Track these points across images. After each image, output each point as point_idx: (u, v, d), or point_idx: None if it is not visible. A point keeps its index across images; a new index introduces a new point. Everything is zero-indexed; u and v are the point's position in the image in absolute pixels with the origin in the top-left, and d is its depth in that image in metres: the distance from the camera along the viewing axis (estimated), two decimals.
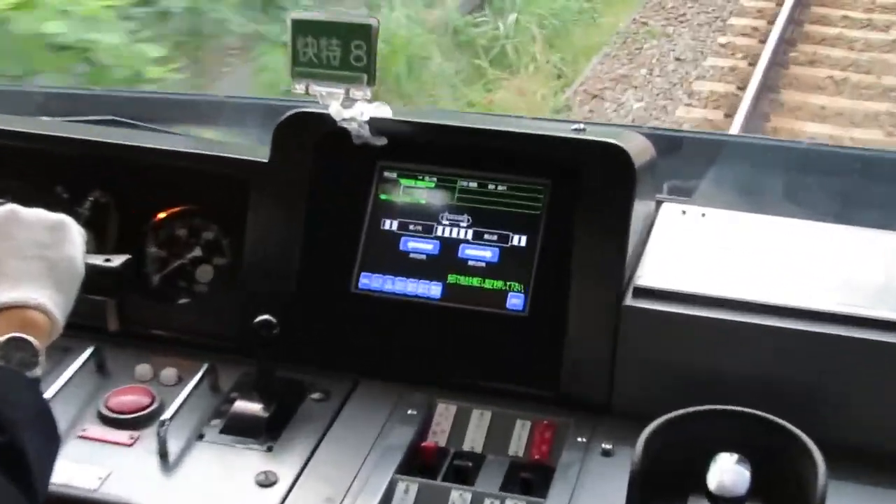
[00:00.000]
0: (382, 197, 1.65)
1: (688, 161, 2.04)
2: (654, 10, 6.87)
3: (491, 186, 1.61)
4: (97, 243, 1.61)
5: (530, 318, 1.55)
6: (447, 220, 1.62)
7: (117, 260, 1.42)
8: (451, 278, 1.61)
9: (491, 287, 1.58)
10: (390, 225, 1.64)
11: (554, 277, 1.54)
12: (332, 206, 1.63)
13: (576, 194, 1.54)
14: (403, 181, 1.65)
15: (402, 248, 1.62)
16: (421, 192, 1.64)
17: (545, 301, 1.55)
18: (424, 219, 1.62)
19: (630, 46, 6.43)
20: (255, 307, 1.50)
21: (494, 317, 1.57)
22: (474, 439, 1.49)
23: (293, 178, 1.63)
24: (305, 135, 1.61)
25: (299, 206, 1.62)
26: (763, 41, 6.07)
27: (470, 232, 1.61)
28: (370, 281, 1.63)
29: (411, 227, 1.63)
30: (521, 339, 1.55)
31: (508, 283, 1.59)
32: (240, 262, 1.63)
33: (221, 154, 1.69)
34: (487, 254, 1.61)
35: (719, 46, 6.27)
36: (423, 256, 1.61)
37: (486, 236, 1.61)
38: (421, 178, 1.64)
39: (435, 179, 1.64)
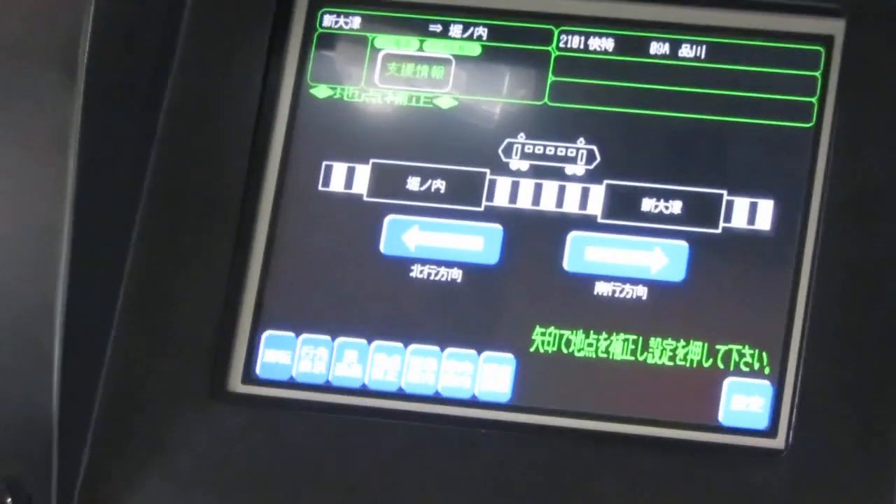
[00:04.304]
0: (319, 93, 0.68)
1: None
2: None
3: (656, 48, 0.66)
4: None
5: (793, 454, 0.62)
6: (521, 156, 0.65)
7: None
8: (540, 338, 0.64)
9: (668, 361, 0.63)
10: (345, 181, 0.67)
11: (860, 330, 0.61)
12: (163, 134, 0.70)
13: None
14: (378, 39, 0.68)
15: (385, 252, 0.68)
16: (440, 70, 0.68)
17: (832, 400, 0.62)
18: (449, 158, 0.66)
19: None
20: None
21: (684, 451, 0.63)
22: None
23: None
24: None
25: (63, 140, 0.69)
26: None
27: (597, 193, 0.65)
28: (290, 357, 0.67)
29: (411, 182, 0.67)
30: None
31: (723, 349, 0.62)
32: None
33: None
34: (654, 258, 0.64)
35: None
36: (455, 275, 0.66)
37: (645, 203, 0.65)
38: (438, 28, 0.68)
39: (483, 31, 0.67)
